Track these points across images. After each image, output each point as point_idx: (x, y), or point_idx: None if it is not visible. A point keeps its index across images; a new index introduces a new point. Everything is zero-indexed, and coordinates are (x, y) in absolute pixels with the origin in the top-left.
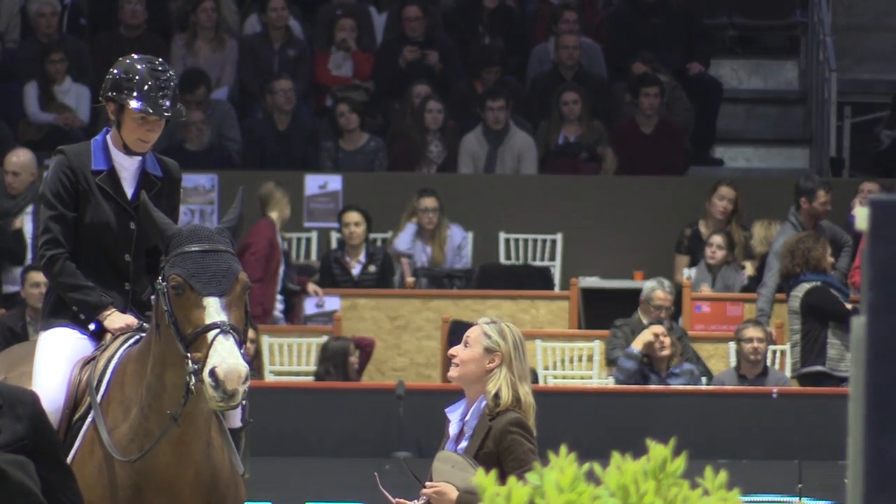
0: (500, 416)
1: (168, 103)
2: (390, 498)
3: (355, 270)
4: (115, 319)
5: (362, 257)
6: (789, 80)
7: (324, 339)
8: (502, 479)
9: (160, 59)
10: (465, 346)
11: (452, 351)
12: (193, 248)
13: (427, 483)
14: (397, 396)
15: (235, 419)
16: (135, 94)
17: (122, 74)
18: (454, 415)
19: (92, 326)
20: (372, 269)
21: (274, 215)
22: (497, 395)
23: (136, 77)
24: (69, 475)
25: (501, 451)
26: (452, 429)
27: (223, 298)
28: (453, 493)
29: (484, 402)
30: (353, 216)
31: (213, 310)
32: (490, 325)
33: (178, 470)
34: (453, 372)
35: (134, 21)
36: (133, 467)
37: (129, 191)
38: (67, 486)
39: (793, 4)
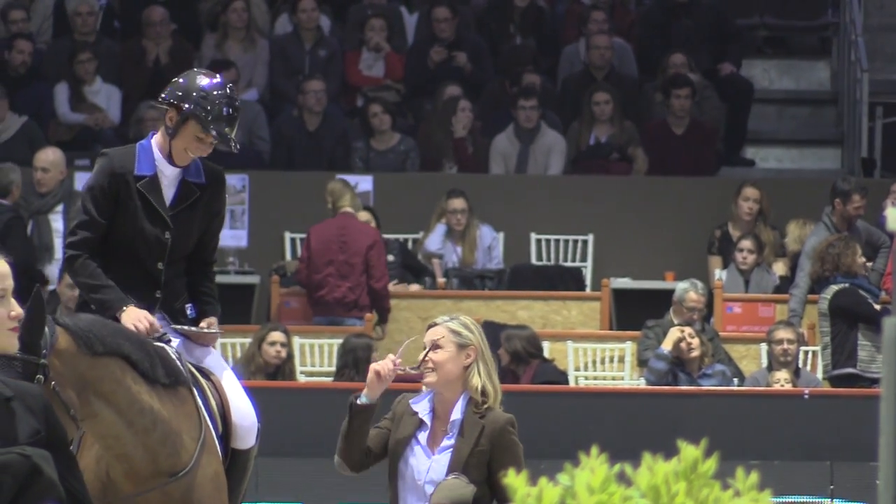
0: (490, 414)
1: (235, 135)
2: (396, 360)
3: None
4: (130, 315)
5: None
6: (821, 81)
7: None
8: (492, 476)
9: (231, 84)
10: (436, 350)
11: (427, 356)
12: None
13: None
14: None
15: (249, 439)
16: (210, 116)
17: (195, 88)
18: (419, 406)
19: None
20: (391, 258)
21: (350, 209)
22: (484, 391)
23: (214, 99)
24: (76, 464)
25: (497, 449)
26: (426, 417)
27: None
28: None
29: (468, 398)
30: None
31: None
32: (454, 322)
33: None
34: (431, 378)
35: (161, 23)
36: None
37: (167, 197)
38: (76, 477)
39: (824, 4)
